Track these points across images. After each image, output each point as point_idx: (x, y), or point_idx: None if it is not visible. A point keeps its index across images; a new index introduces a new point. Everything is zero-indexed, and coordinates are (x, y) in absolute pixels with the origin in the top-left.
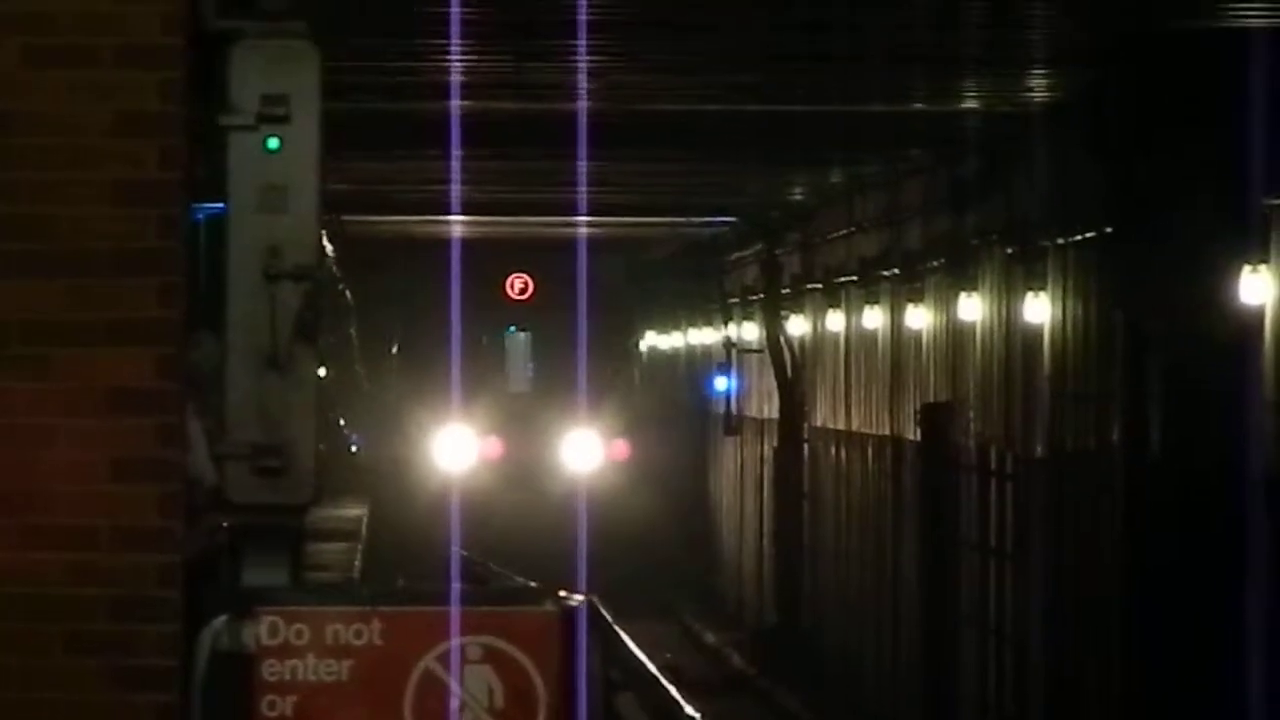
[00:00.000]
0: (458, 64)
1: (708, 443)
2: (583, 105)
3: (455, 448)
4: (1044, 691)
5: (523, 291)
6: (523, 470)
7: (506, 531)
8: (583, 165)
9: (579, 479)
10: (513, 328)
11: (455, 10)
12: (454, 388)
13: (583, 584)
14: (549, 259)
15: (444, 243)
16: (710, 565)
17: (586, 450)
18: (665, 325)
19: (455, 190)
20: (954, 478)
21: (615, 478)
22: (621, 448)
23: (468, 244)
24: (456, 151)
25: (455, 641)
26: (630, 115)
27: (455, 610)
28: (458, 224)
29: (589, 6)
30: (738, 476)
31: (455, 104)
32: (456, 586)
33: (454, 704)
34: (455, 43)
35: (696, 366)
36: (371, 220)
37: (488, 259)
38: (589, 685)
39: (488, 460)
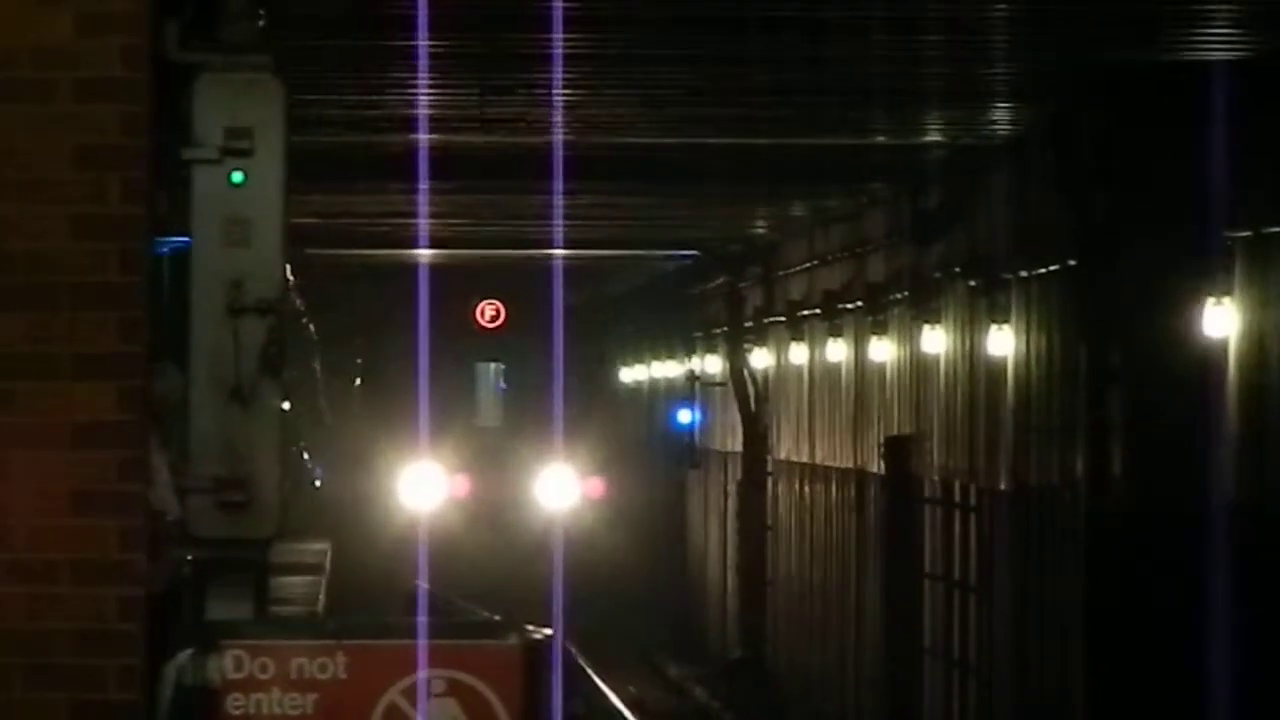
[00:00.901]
0: (423, 98)
1: (682, 478)
2: (559, 139)
3: (421, 486)
4: (1008, 717)
5: (493, 319)
6: (492, 510)
7: (474, 575)
8: (558, 199)
9: (553, 519)
10: (482, 358)
11: (421, 44)
12: (420, 422)
13: (558, 626)
14: (521, 285)
15: (409, 268)
16: (681, 600)
17: (561, 488)
18: (638, 357)
19: (423, 225)
20: (917, 510)
21: (591, 517)
22: (597, 485)
23: (435, 270)
24: (424, 185)
25: (420, 675)
26: (593, 149)
27: (420, 643)
28: (424, 249)
29: (552, 40)
30: (703, 510)
31: (423, 138)
32: (422, 620)
33: None
34: (421, 76)
35: (667, 399)
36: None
37: (456, 285)
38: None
39: (455, 499)
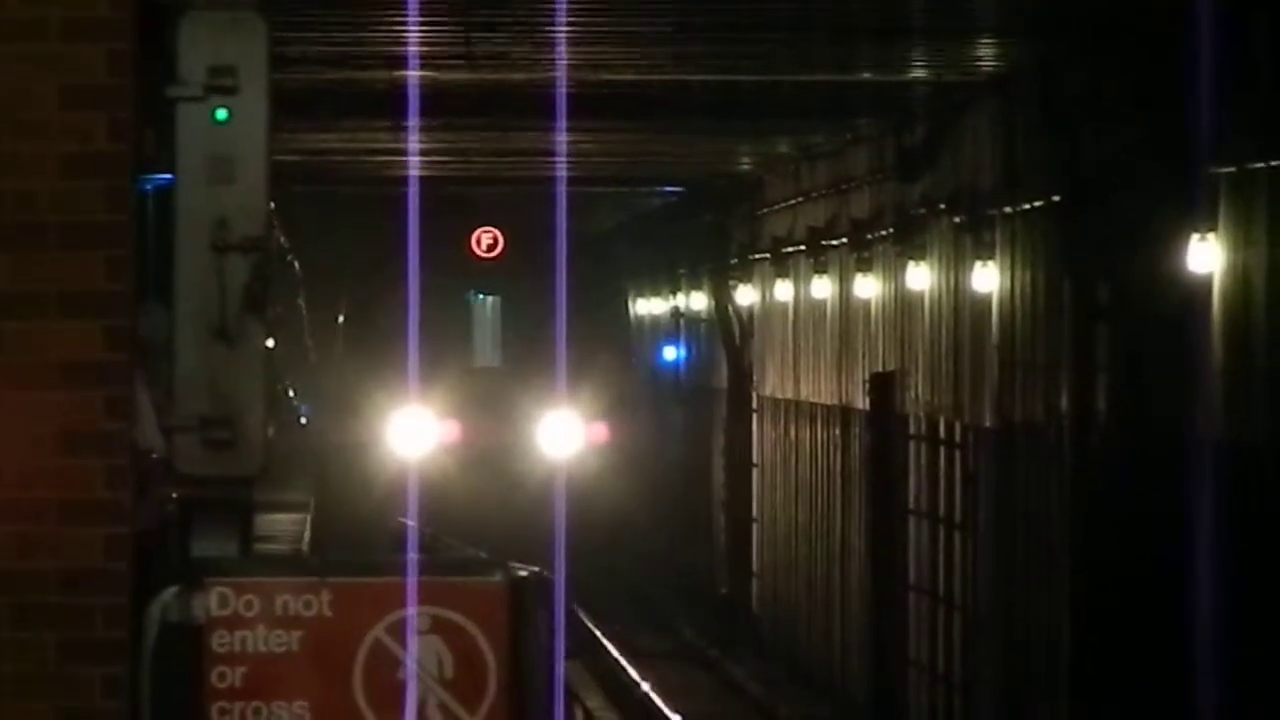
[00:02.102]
0: (409, 35)
1: (679, 418)
2: (559, 76)
3: (410, 432)
4: (993, 656)
5: (491, 248)
6: (489, 459)
7: (467, 529)
8: (561, 136)
9: (554, 467)
10: (479, 292)
11: None
12: (409, 362)
13: (560, 581)
14: (521, 211)
15: (398, 194)
16: (685, 542)
17: (564, 434)
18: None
19: (413, 161)
20: (902, 446)
21: (595, 464)
22: (602, 430)
23: (427, 195)
24: (415, 120)
25: (405, 612)
26: (579, 86)
27: (405, 580)
28: (415, 166)
29: None
30: (704, 449)
31: (413, 74)
32: (411, 557)
33: (404, 674)
34: (408, 14)
35: (654, 336)
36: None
37: (450, 211)
38: (538, 656)
39: (448, 447)
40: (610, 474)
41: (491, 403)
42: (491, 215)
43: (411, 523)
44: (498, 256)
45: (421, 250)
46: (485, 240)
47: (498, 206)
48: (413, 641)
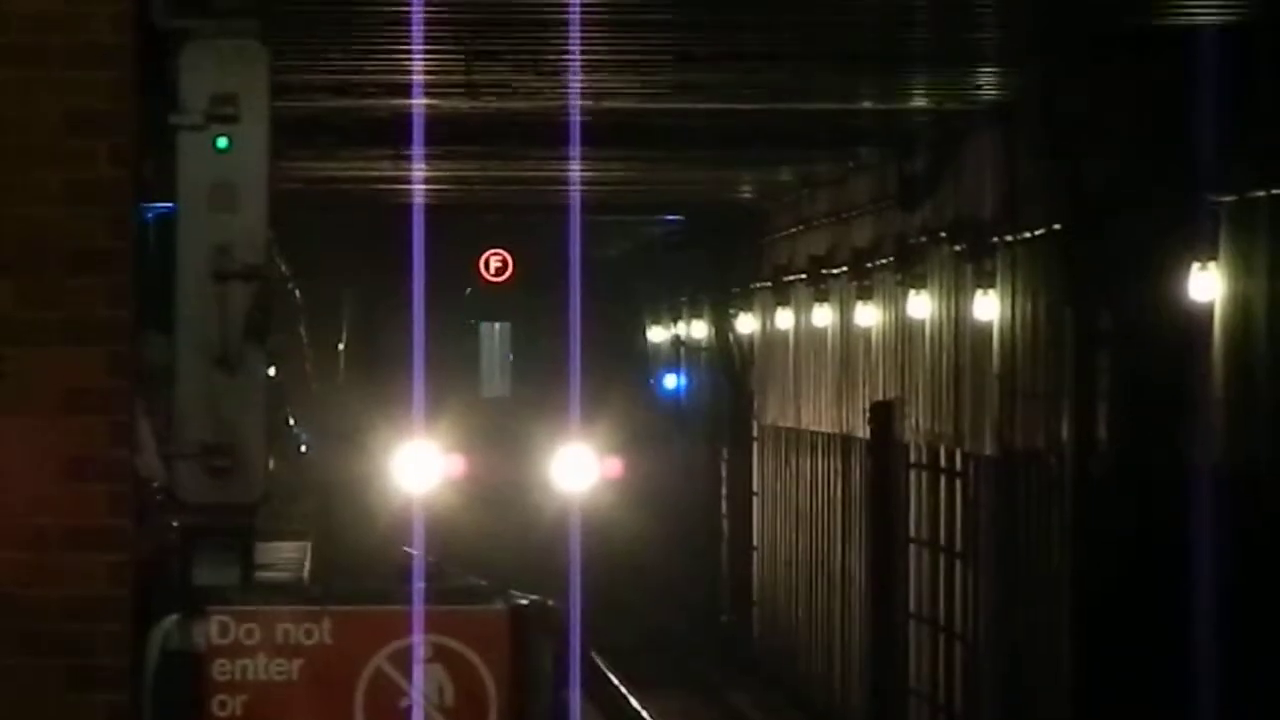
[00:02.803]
0: (409, 64)
1: (695, 450)
2: (573, 105)
3: (414, 468)
4: (994, 685)
5: (500, 272)
6: (498, 495)
7: (474, 568)
8: (574, 165)
9: (567, 504)
10: (487, 318)
11: (414, 10)
12: (414, 393)
13: (575, 625)
14: (532, 232)
15: (403, 215)
16: (699, 572)
17: (577, 469)
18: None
19: (417, 190)
20: (902, 475)
21: (609, 501)
22: (616, 465)
23: (433, 216)
24: (419, 149)
25: (406, 640)
26: (580, 114)
27: (407, 610)
28: (420, 189)
29: (540, 6)
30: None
31: (418, 102)
32: (418, 586)
33: (405, 702)
34: (408, 42)
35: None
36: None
37: (457, 233)
38: (539, 684)
39: (454, 483)
40: (625, 512)
41: (500, 435)
42: (500, 237)
43: (415, 551)
44: (507, 280)
45: (426, 274)
46: (494, 263)
47: (506, 227)
48: (418, 671)
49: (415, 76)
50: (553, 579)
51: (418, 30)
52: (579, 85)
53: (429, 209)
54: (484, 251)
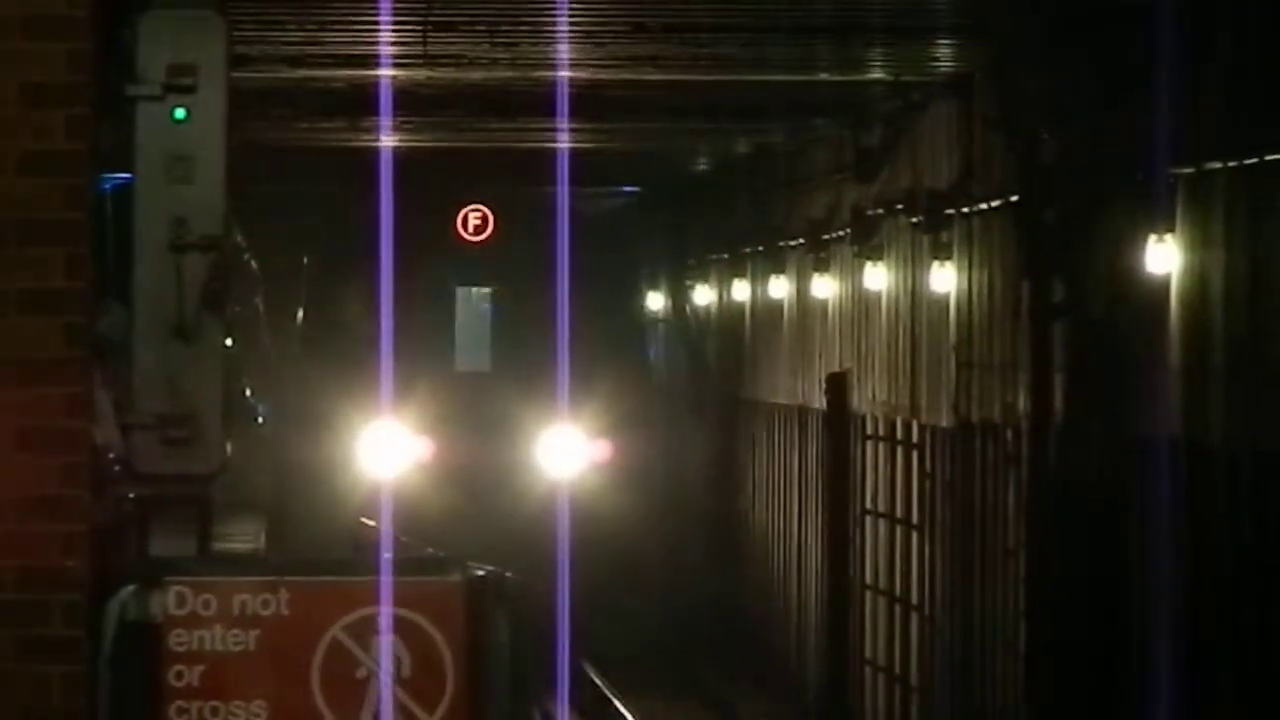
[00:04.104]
0: (367, 35)
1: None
2: (579, 76)
3: (380, 451)
4: (950, 659)
5: (479, 230)
6: (474, 482)
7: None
8: (563, 131)
9: (552, 492)
10: (464, 281)
11: None
12: (380, 366)
13: (563, 633)
14: (516, 185)
15: (368, 166)
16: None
17: (567, 453)
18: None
19: (385, 153)
20: (859, 446)
21: (598, 487)
22: (606, 449)
23: (403, 167)
24: (386, 120)
25: (363, 611)
26: (534, 84)
27: (364, 581)
28: (389, 133)
29: None
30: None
31: (384, 73)
32: (385, 558)
33: (362, 673)
34: (364, 14)
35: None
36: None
37: (431, 186)
38: (497, 655)
39: (425, 468)
40: (619, 500)
41: (478, 415)
42: (482, 190)
43: (372, 523)
44: (487, 239)
45: (395, 233)
46: (473, 220)
47: (489, 179)
48: (385, 640)
49: (371, 48)
50: (537, 578)
51: (376, 2)
52: (533, 57)
53: (398, 163)
54: (461, 207)
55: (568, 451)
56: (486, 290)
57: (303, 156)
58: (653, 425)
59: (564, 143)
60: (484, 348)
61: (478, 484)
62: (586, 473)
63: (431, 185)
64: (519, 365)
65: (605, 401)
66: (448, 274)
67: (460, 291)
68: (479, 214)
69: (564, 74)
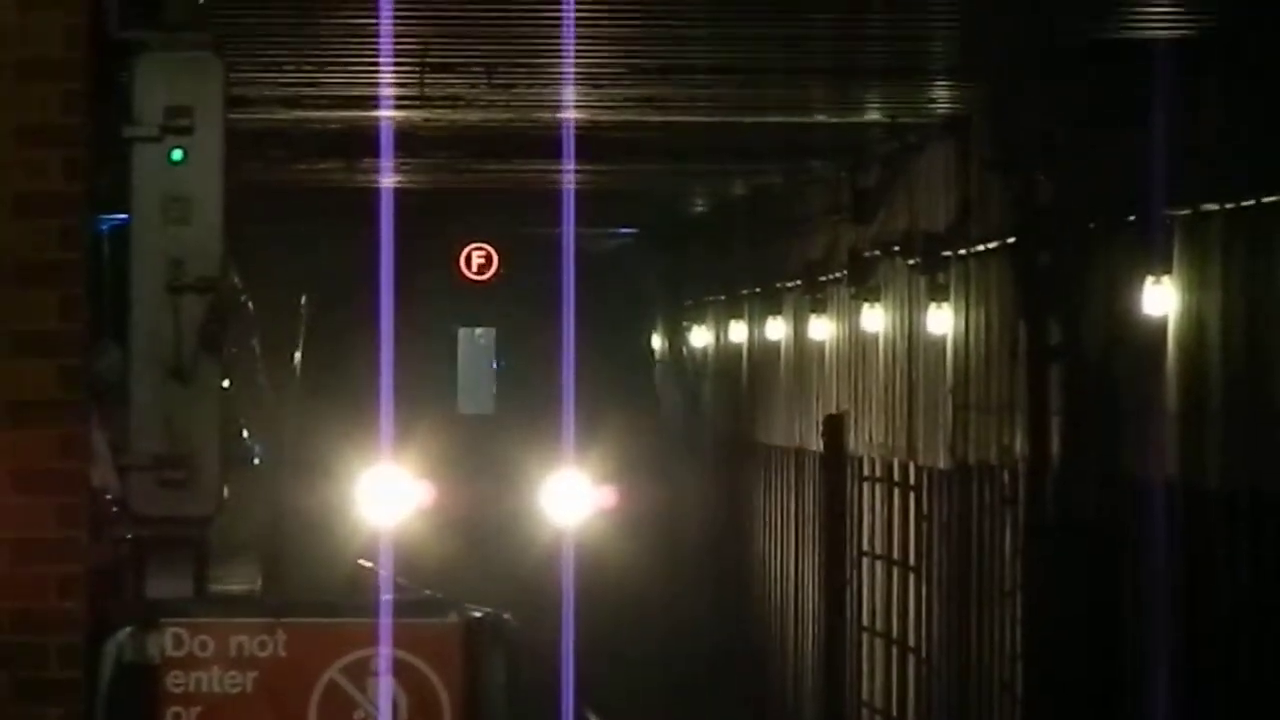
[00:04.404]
0: (365, 76)
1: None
2: (576, 117)
3: (380, 496)
4: (946, 700)
5: (482, 269)
6: (476, 529)
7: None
8: (569, 173)
9: (557, 539)
10: (467, 322)
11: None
12: (380, 409)
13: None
14: (520, 222)
15: (368, 203)
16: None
17: (574, 499)
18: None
19: (387, 192)
20: (856, 487)
21: (605, 536)
22: (615, 494)
23: (404, 204)
24: (387, 161)
25: (360, 653)
26: (530, 126)
27: (361, 622)
28: (388, 174)
29: (492, 18)
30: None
31: (384, 114)
32: (372, 599)
33: (359, 715)
34: (362, 56)
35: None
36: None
37: (432, 223)
38: (494, 696)
39: (426, 514)
40: (626, 548)
41: (480, 460)
42: (484, 227)
43: (369, 564)
44: (491, 278)
45: (395, 272)
46: (476, 259)
47: (491, 217)
48: (369, 682)
49: (370, 90)
50: (542, 627)
51: (374, 43)
52: (530, 98)
53: (398, 201)
54: (464, 245)
55: (573, 497)
56: (490, 330)
57: (300, 195)
58: (661, 470)
59: (568, 182)
60: (487, 390)
61: (480, 530)
62: (592, 519)
63: (432, 223)
64: (523, 408)
65: (612, 445)
66: (450, 314)
67: (463, 332)
68: (482, 252)
69: (562, 115)
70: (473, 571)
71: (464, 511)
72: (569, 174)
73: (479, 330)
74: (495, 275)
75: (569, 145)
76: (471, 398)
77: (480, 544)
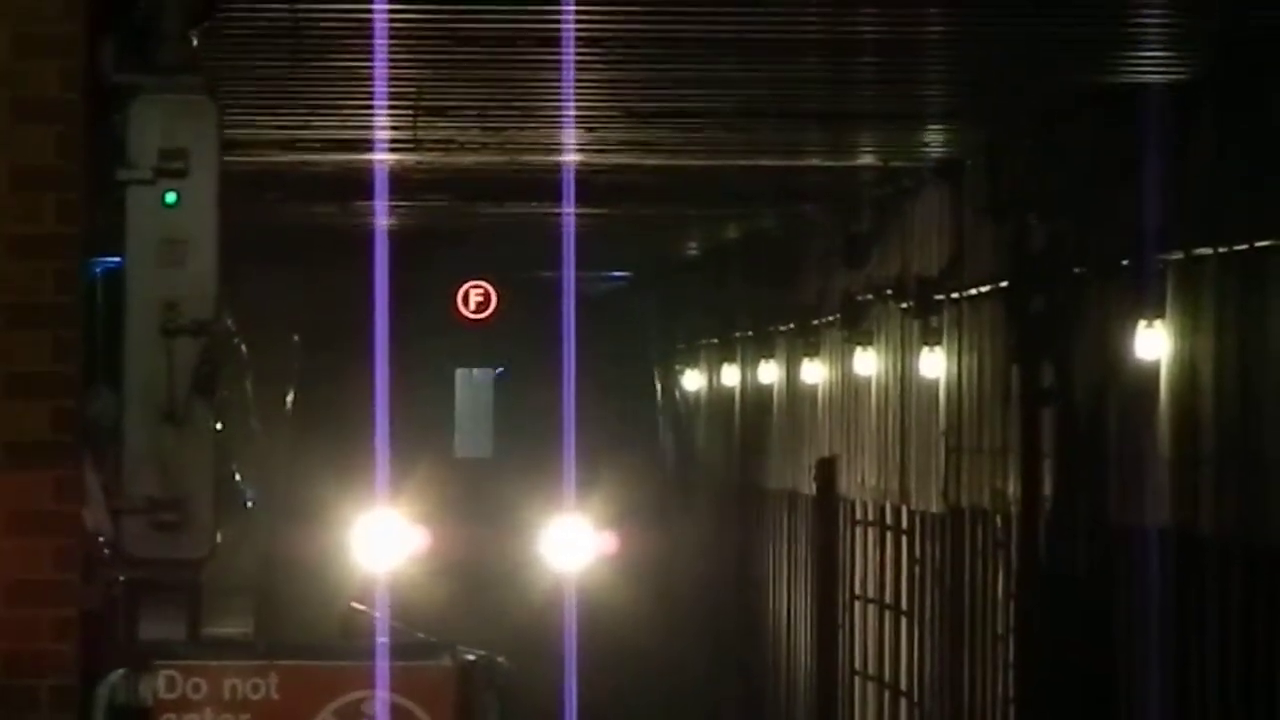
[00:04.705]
0: (358, 120)
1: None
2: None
3: (372, 542)
4: None
5: (481, 308)
6: (473, 577)
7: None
8: (569, 216)
9: (558, 588)
10: (465, 363)
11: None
12: (375, 453)
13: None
14: (519, 260)
15: (362, 240)
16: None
17: (575, 546)
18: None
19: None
20: (848, 531)
21: (608, 584)
22: (618, 540)
23: (399, 241)
24: (382, 203)
25: (352, 695)
26: (523, 169)
27: (354, 665)
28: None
29: (485, 62)
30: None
31: (378, 158)
32: (365, 643)
33: None
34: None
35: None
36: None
37: (428, 261)
38: None
39: (421, 561)
40: (630, 598)
41: (478, 505)
42: (483, 265)
43: (363, 607)
44: (489, 318)
45: (390, 311)
46: (474, 298)
47: (491, 251)
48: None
49: (362, 133)
50: (541, 678)
51: (367, 86)
52: (522, 141)
53: (394, 239)
54: (461, 284)
55: (574, 544)
56: (488, 372)
57: (294, 234)
58: (664, 515)
59: (569, 224)
60: (485, 433)
61: (477, 579)
62: (593, 566)
63: (429, 261)
64: (522, 451)
65: (614, 489)
66: (447, 354)
67: (460, 373)
68: (480, 291)
69: (555, 159)
70: (469, 621)
71: (460, 558)
72: (568, 215)
73: (477, 371)
74: (494, 315)
75: (569, 188)
76: (469, 440)
77: (477, 592)
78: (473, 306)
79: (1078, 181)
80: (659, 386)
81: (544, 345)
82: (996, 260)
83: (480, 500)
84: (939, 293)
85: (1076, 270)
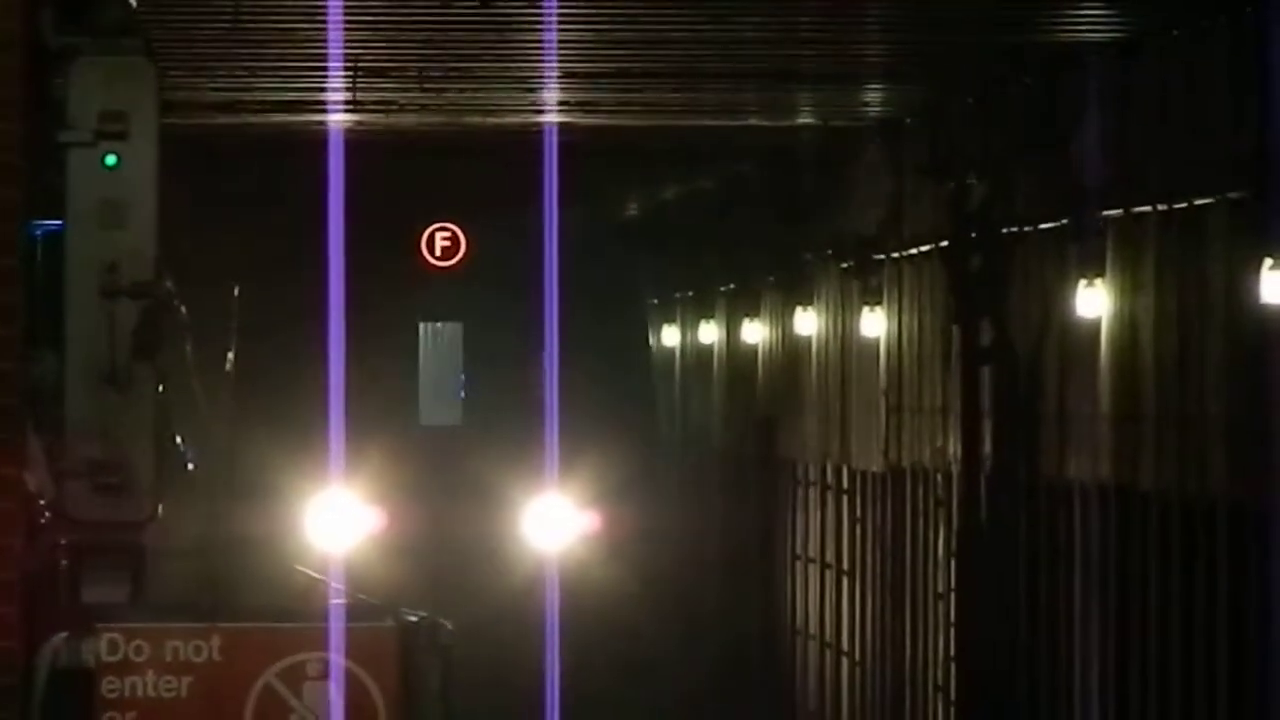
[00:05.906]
0: (297, 82)
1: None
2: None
3: (327, 523)
4: (881, 703)
5: (447, 254)
6: (438, 560)
7: None
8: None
9: (536, 572)
10: (430, 317)
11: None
12: (329, 421)
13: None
14: (493, 198)
15: (313, 168)
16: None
17: (555, 526)
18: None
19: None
20: (791, 492)
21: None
22: (595, 519)
23: (356, 173)
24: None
25: (295, 658)
26: (463, 130)
27: (297, 627)
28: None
29: (423, 22)
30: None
31: (334, 118)
32: (337, 604)
33: (294, 719)
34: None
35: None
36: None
37: (389, 199)
38: (428, 701)
39: (381, 542)
40: (616, 582)
41: (446, 480)
42: (450, 206)
43: (309, 572)
44: (457, 265)
45: (345, 255)
46: (440, 242)
47: (460, 188)
48: (303, 687)
49: (301, 95)
50: (516, 673)
51: (306, 48)
52: (460, 102)
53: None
54: (426, 227)
55: (553, 523)
56: (457, 326)
57: (229, 166)
58: (657, 488)
59: (550, 137)
60: (454, 397)
61: (442, 564)
62: (574, 548)
63: (390, 199)
64: (496, 418)
65: (600, 462)
66: (410, 306)
67: (425, 328)
68: (447, 234)
69: (494, 120)
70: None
71: (423, 541)
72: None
73: (444, 326)
74: (463, 261)
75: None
76: (435, 406)
77: (442, 580)
78: (439, 252)
79: (1017, 140)
80: (652, 340)
81: (520, 295)
82: (936, 219)
83: (447, 475)
84: (879, 252)
85: (1016, 229)
